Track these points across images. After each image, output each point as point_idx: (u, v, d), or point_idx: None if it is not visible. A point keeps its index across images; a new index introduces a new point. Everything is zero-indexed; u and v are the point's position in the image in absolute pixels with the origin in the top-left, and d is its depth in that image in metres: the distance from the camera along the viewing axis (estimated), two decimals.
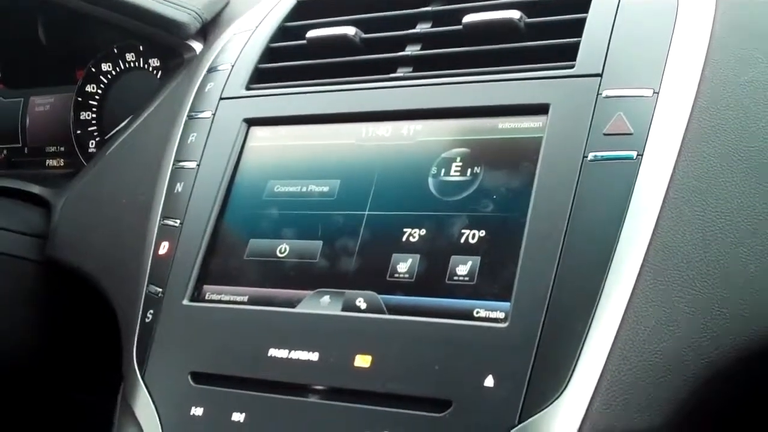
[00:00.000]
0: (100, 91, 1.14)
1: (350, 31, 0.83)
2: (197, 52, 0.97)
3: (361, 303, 0.70)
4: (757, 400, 0.72)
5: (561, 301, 0.62)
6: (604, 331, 0.61)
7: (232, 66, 0.89)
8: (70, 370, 1.07)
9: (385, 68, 0.81)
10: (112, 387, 0.81)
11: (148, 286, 0.80)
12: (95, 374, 1.04)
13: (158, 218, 0.83)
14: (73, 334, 1.04)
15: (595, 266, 0.62)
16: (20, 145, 1.19)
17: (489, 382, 0.62)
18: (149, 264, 0.81)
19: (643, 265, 0.62)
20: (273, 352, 0.70)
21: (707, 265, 0.63)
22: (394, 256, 0.70)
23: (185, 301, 0.77)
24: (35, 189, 1.02)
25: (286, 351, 0.70)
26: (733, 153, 0.65)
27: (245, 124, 0.83)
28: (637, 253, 0.63)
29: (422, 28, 0.82)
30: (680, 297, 0.62)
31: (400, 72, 0.80)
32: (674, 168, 0.65)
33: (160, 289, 0.78)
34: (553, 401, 0.60)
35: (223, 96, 0.87)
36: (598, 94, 0.68)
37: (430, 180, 0.72)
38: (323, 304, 0.71)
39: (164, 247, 0.81)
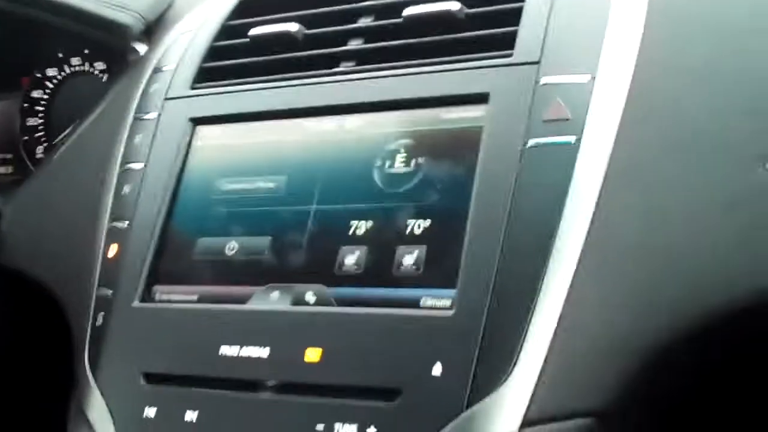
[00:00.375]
0: (46, 97, 1.13)
1: (293, 27, 0.84)
2: (142, 54, 0.97)
3: (311, 297, 0.70)
4: (703, 383, 0.74)
5: (505, 287, 0.63)
6: (547, 315, 0.62)
7: (177, 66, 0.89)
8: (22, 375, 1.06)
9: (328, 63, 0.81)
10: (65, 391, 0.81)
11: (98, 288, 0.80)
12: (48, 379, 1.04)
13: (106, 221, 0.83)
14: (24, 339, 1.03)
15: (537, 251, 0.63)
16: None
17: (437, 370, 0.62)
18: (98, 267, 0.81)
19: (584, 249, 0.63)
20: (224, 350, 0.70)
21: (648, 247, 0.64)
22: (342, 248, 0.71)
23: (135, 303, 0.77)
24: None
25: (237, 348, 0.70)
26: (668, 136, 0.66)
27: (191, 123, 0.83)
28: (578, 237, 0.64)
29: (364, 22, 0.83)
30: (622, 280, 0.63)
31: (343, 66, 0.80)
32: (612, 152, 0.66)
33: (111, 291, 0.78)
34: (499, 386, 0.61)
35: (167, 96, 0.87)
36: (536, 82, 0.69)
37: (375, 172, 0.73)
38: (273, 299, 0.71)
39: (113, 250, 0.81)
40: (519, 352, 0.61)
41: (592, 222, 0.64)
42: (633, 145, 0.66)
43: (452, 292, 0.65)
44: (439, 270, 0.66)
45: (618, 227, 0.64)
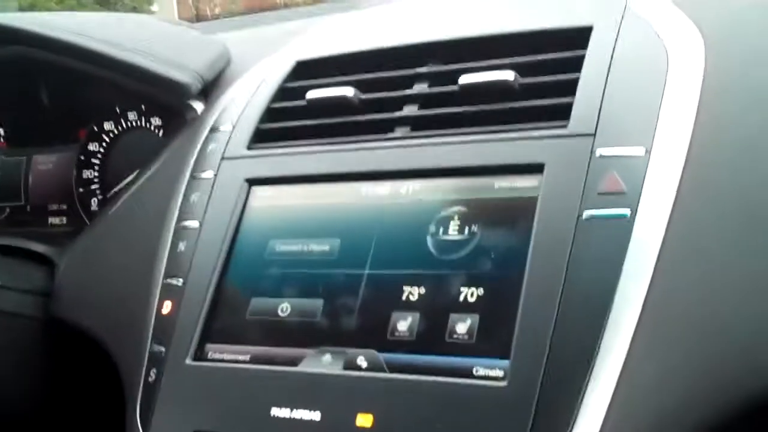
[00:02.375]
0: (102, 150, 1.15)
1: (349, 91, 0.85)
2: (199, 112, 0.99)
3: (362, 361, 0.71)
4: None
5: (559, 359, 0.63)
6: (602, 389, 0.62)
7: (234, 126, 0.90)
8: (73, 428, 1.07)
9: (383, 128, 0.82)
10: None
11: (151, 345, 0.81)
12: None
13: (161, 277, 0.84)
14: (76, 393, 1.04)
15: (592, 324, 0.63)
16: (23, 203, 1.20)
17: None
18: (152, 323, 0.82)
19: (639, 322, 0.63)
20: (275, 412, 0.71)
21: (704, 322, 0.64)
22: (394, 314, 0.71)
23: (188, 360, 0.77)
24: (38, 247, 1.02)
25: (288, 410, 0.70)
26: (725, 208, 0.66)
27: (246, 183, 0.84)
28: (633, 311, 0.64)
29: (419, 88, 0.84)
30: (677, 354, 0.63)
31: (398, 132, 0.82)
32: (668, 225, 0.66)
33: (164, 348, 0.79)
34: None
35: (224, 156, 0.88)
36: (591, 153, 0.70)
37: (429, 239, 0.73)
38: (324, 362, 0.72)
39: (167, 306, 0.82)
40: (572, 427, 0.61)
41: (648, 296, 0.64)
42: (689, 219, 0.66)
43: (506, 362, 0.65)
44: (492, 339, 0.67)
45: (674, 301, 0.64)
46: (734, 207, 0.66)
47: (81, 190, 1.16)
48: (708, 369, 0.63)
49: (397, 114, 0.83)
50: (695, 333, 0.63)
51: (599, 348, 0.63)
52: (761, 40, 0.75)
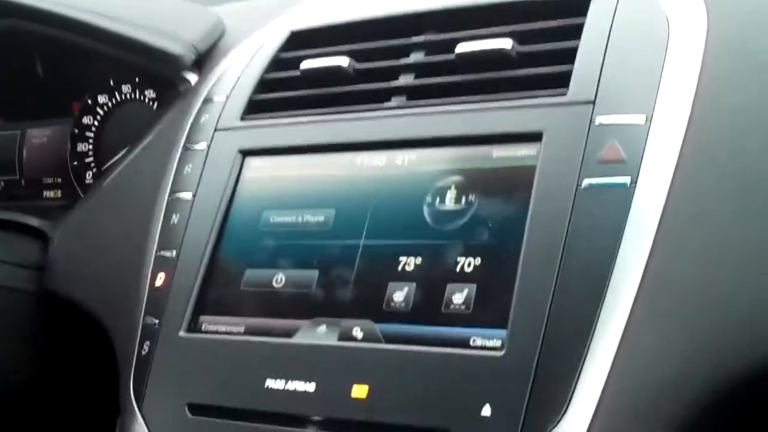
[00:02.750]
0: (96, 123, 1.14)
1: (344, 61, 0.84)
2: (192, 84, 0.98)
3: (358, 332, 0.70)
4: (755, 423, 0.72)
5: (557, 329, 0.62)
6: (601, 359, 0.61)
7: (227, 97, 0.89)
8: (67, 401, 1.07)
9: (379, 98, 0.81)
10: (109, 419, 0.81)
11: (144, 317, 0.80)
12: (92, 406, 1.04)
13: (154, 249, 0.83)
14: (70, 366, 1.04)
15: (591, 293, 0.62)
16: (17, 177, 1.20)
17: (486, 411, 0.62)
18: (146, 295, 0.81)
19: (638, 292, 0.62)
20: (270, 383, 0.70)
21: (704, 290, 0.63)
22: (390, 284, 0.70)
23: (182, 333, 0.77)
24: (32, 221, 1.02)
25: (283, 382, 0.70)
26: (726, 176, 0.65)
27: (240, 154, 0.83)
28: (633, 280, 0.63)
29: (416, 57, 0.83)
30: (677, 323, 0.62)
31: (394, 101, 0.80)
32: (668, 194, 0.65)
33: (157, 321, 0.79)
34: (550, 430, 0.60)
35: (218, 127, 0.87)
36: (591, 121, 0.69)
37: (425, 209, 0.72)
38: (320, 333, 0.71)
39: (160, 279, 0.81)
40: (571, 396, 0.60)
41: (648, 264, 0.63)
42: (689, 187, 0.65)
43: (503, 332, 0.64)
44: (489, 309, 0.66)
45: (674, 270, 0.63)
46: (735, 174, 0.65)
47: (75, 163, 1.15)
48: (708, 338, 0.62)
49: (393, 83, 0.82)
50: (695, 302, 0.62)
51: (598, 317, 0.62)
52: (763, 6, 0.73)
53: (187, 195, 0.84)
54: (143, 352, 0.78)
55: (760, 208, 0.63)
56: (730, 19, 0.73)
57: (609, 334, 0.61)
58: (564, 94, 0.71)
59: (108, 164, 1.10)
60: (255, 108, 0.87)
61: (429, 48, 0.83)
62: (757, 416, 0.70)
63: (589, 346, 0.61)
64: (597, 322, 0.61)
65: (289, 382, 0.69)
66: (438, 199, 0.72)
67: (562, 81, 0.72)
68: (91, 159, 1.14)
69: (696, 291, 0.63)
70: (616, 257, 0.63)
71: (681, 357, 0.62)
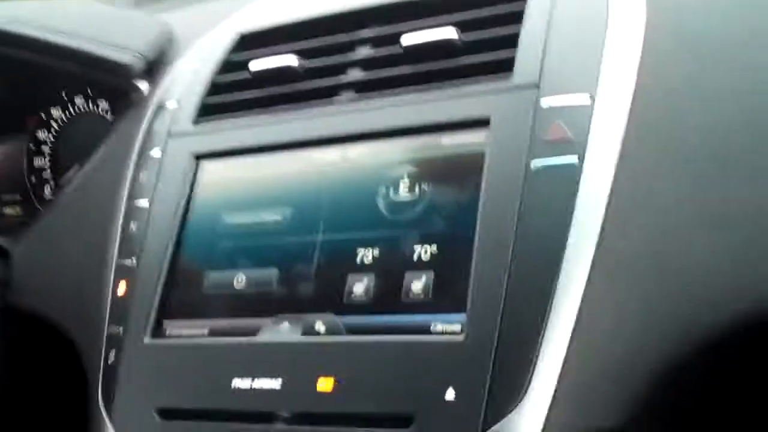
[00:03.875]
0: (52, 137, 1.14)
1: (292, 60, 0.84)
2: (144, 92, 0.98)
3: (320, 326, 0.71)
4: (713, 396, 0.74)
5: (514, 310, 0.63)
6: (559, 337, 0.62)
7: (179, 102, 0.90)
8: (36, 414, 1.06)
9: (328, 94, 0.82)
10: (79, 429, 0.81)
11: (109, 326, 0.80)
12: (62, 417, 1.04)
13: (115, 258, 0.84)
14: (37, 378, 1.04)
15: (545, 273, 0.63)
16: None
17: (450, 395, 0.63)
18: (109, 304, 0.82)
19: (592, 269, 0.64)
20: (236, 383, 0.71)
21: (655, 264, 0.64)
22: (350, 276, 0.71)
23: (146, 339, 0.77)
24: None
25: (249, 380, 0.70)
26: (669, 153, 0.66)
27: (194, 159, 0.84)
28: (586, 257, 0.64)
29: (362, 52, 0.84)
30: (631, 297, 0.64)
31: (344, 96, 0.81)
32: (616, 171, 0.66)
33: (121, 328, 0.79)
34: (513, 409, 0.61)
35: (171, 133, 0.87)
36: (537, 104, 0.70)
37: (380, 200, 0.73)
38: (283, 330, 0.72)
39: (122, 287, 0.81)
40: (531, 375, 0.61)
41: (599, 242, 0.64)
42: (635, 164, 0.66)
43: (462, 316, 0.65)
44: (447, 295, 0.67)
45: (626, 246, 0.64)
46: (679, 148, 0.66)
47: (33, 178, 1.14)
48: (659, 310, 0.63)
49: (342, 79, 0.82)
50: (649, 275, 0.64)
51: (553, 297, 0.63)
52: None
53: (144, 202, 0.84)
54: (110, 361, 0.78)
55: (704, 180, 0.65)
56: None
57: (564, 313, 0.62)
58: (509, 79, 0.72)
59: (65, 177, 1.10)
60: (207, 111, 0.87)
61: (375, 42, 0.84)
62: (715, 382, 0.72)
63: (545, 326, 0.62)
64: (552, 302, 0.62)
65: (256, 380, 0.70)
66: (391, 190, 0.73)
67: (506, 66, 0.73)
68: (48, 173, 1.14)
69: (648, 265, 0.64)
70: (568, 236, 0.64)
71: (637, 331, 0.63)
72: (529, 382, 0.61)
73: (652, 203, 0.65)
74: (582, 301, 0.63)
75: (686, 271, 0.64)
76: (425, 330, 0.66)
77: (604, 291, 0.63)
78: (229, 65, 0.90)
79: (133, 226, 0.84)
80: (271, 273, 0.74)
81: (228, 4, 1.10)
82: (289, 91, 0.84)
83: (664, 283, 0.64)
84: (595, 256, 0.64)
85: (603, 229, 0.65)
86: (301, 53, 0.85)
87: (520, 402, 0.61)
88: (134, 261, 0.81)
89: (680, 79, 0.69)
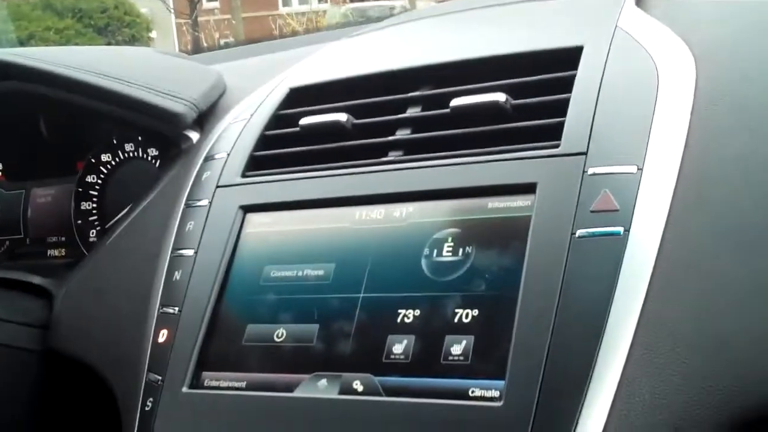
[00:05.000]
0: (100, 182, 1.16)
1: (342, 117, 0.85)
2: (194, 141, 0.99)
3: (358, 385, 0.70)
4: None
5: (554, 378, 0.63)
6: (598, 408, 0.61)
7: (228, 154, 0.91)
8: None
9: (376, 152, 0.83)
10: None
11: (147, 374, 0.81)
12: None
13: (157, 306, 0.84)
14: (73, 423, 1.04)
15: (587, 342, 0.63)
16: (22, 236, 1.21)
17: None
18: (149, 352, 0.82)
19: (634, 340, 0.63)
20: None
21: (698, 338, 0.63)
22: (390, 337, 0.71)
23: (184, 389, 0.77)
24: (36, 279, 1.03)
25: None
26: (717, 225, 0.66)
27: (241, 210, 0.84)
28: (628, 328, 0.63)
29: (411, 112, 0.84)
30: (673, 370, 0.63)
31: (392, 155, 0.82)
32: (661, 242, 0.66)
33: (160, 377, 0.79)
34: None
35: (219, 184, 0.88)
36: (583, 172, 0.70)
37: (423, 261, 0.73)
38: (320, 387, 0.72)
39: (163, 335, 0.82)
40: None
41: (643, 312, 0.64)
42: (683, 235, 0.66)
43: (501, 383, 0.65)
44: (487, 360, 0.66)
45: (669, 318, 0.64)
46: (728, 222, 0.66)
47: (79, 222, 1.16)
48: (706, 381, 0.62)
49: (390, 138, 0.83)
50: (691, 349, 0.63)
51: (594, 367, 0.62)
52: (750, 55, 0.75)
53: (189, 252, 0.85)
54: (146, 408, 0.79)
55: (751, 252, 0.64)
56: (718, 69, 0.75)
57: (606, 383, 0.62)
58: (557, 146, 0.73)
59: (111, 222, 1.11)
60: (255, 164, 0.88)
61: (425, 103, 0.84)
62: None
63: (585, 396, 0.62)
64: (593, 372, 0.62)
65: None
66: (435, 251, 0.73)
67: (554, 133, 0.74)
68: (94, 217, 1.15)
69: (692, 339, 0.63)
70: (611, 305, 0.64)
71: (678, 403, 0.62)
72: None
73: (697, 274, 0.65)
74: (623, 370, 0.63)
75: (731, 343, 0.63)
76: (463, 395, 0.66)
77: (646, 363, 0.63)
78: (279, 119, 0.91)
79: (177, 274, 0.84)
80: (312, 329, 0.75)
81: (281, 57, 1.12)
82: (338, 148, 0.85)
83: (707, 355, 0.63)
84: (637, 326, 0.64)
85: (647, 299, 0.64)
86: (351, 111, 0.86)
87: None
88: (177, 310, 0.82)
89: (729, 150, 0.69)
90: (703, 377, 0.63)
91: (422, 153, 0.80)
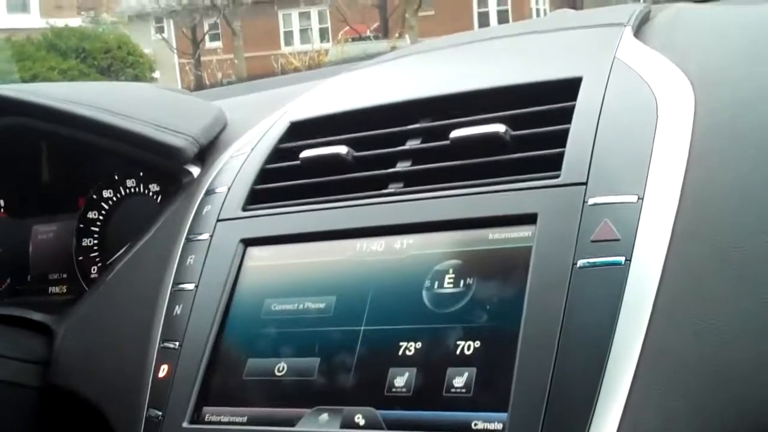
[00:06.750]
0: (101, 218, 1.16)
1: (342, 150, 0.86)
2: (195, 176, 1.00)
3: (360, 419, 0.70)
4: None
5: (558, 410, 0.62)
6: None
7: (229, 188, 0.91)
8: None
9: (377, 185, 0.83)
10: None
11: (147, 409, 0.80)
12: None
13: (157, 341, 0.84)
14: None
15: (590, 374, 0.63)
16: (23, 272, 1.20)
17: None
18: (149, 387, 0.81)
19: (637, 371, 0.63)
20: None
21: (701, 365, 0.63)
22: (391, 370, 0.71)
23: (185, 424, 0.77)
24: (37, 316, 1.02)
25: None
26: (718, 254, 0.66)
27: (242, 244, 0.84)
28: (631, 359, 0.63)
29: (411, 144, 0.84)
30: (676, 398, 0.62)
31: (392, 188, 0.82)
32: (663, 271, 0.66)
33: (160, 413, 0.79)
34: None
35: (220, 218, 0.88)
36: (584, 202, 0.70)
37: (424, 293, 0.73)
38: (321, 422, 0.71)
39: (164, 370, 0.81)
40: None
41: (645, 343, 0.63)
42: (684, 263, 0.66)
43: (504, 415, 0.64)
44: (490, 392, 0.66)
45: (672, 347, 0.63)
46: (729, 250, 0.66)
47: (80, 258, 1.16)
48: (707, 412, 0.62)
49: (390, 170, 0.83)
50: (694, 378, 0.63)
51: (598, 398, 0.62)
52: (748, 84, 0.75)
53: (189, 286, 0.85)
54: None
55: (752, 280, 0.64)
56: (717, 98, 0.75)
57: (609, 414, 0.61)
58: (557, 176, 0.72)
59: (113, 258, 1.11)
60: (256, 198, 0.88)
61: (424, 135, 0.85)
62: None
63: (590, 426, 0.61)
64: (597, 403, 0.62)
65: None
66: (437, 283, 0.73)
67: (554, 163, 0.74)
68: (96, 253, 1.15)
69: (695, 367, 0.63)
70: (614, 336, 0.63)
71: (683, 429, 0.62)
72: None
73: (700, 303, 0.65)
74: (626, 401, 0.62)
75: (734, 371, 0.62)
76: (466, 428, 0.65)
77: (649, 392, 0.62)
78: (279, 153, 0.92)
79: (177, 309, 0.84)
80: (313, 362, 0.74)
81: (281, 92, 1.12)
82: (338, 180, 0.85)
83: (711, 385, 0.62)
84: (640, 357, 0.63)
85: (649, 328, 0.64)
86: (351, 143, 0.86)
87: None
88: (177, 344, 0.81)
89: (729, 179, 0.69)
90: (707, 406, 0.62)
91: (423, 185, 0.80)
